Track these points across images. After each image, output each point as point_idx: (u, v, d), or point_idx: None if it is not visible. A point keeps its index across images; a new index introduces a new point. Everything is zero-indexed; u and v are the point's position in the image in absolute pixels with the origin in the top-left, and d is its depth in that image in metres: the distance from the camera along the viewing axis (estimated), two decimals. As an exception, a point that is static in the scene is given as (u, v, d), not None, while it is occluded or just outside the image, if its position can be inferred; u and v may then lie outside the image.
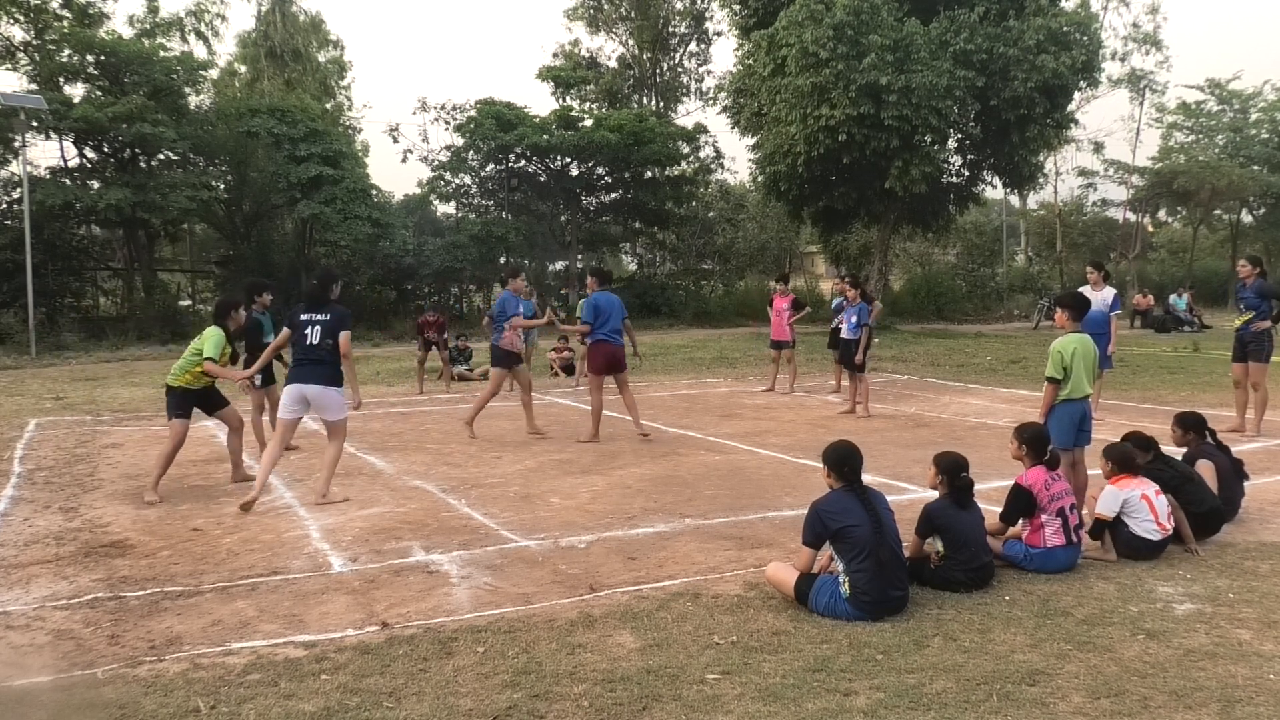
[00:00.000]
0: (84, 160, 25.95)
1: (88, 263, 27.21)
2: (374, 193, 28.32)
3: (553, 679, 4.06)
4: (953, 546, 5.22)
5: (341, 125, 38.21)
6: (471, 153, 31.53)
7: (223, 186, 27.72)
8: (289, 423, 7.58)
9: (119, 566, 5.76)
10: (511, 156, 31.69)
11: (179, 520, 6.91)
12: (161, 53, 26.55)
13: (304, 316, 7.46)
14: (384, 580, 5.46)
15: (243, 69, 42.40)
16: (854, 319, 12.29)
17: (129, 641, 4.54)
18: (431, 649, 4.40)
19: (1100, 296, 11.10)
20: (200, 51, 30.90)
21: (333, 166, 26.39)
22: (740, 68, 28.91)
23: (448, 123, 31.73)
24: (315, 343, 7.35)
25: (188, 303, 30.44)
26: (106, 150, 25.67)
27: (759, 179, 29.05)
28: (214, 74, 33.28)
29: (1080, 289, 11.25)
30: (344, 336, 7.38)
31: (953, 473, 5.39)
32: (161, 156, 25.99)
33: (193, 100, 27.81)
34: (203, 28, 31.78)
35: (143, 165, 25.54)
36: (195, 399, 7.98)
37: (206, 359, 7.76)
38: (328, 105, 39.54)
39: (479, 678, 4.09)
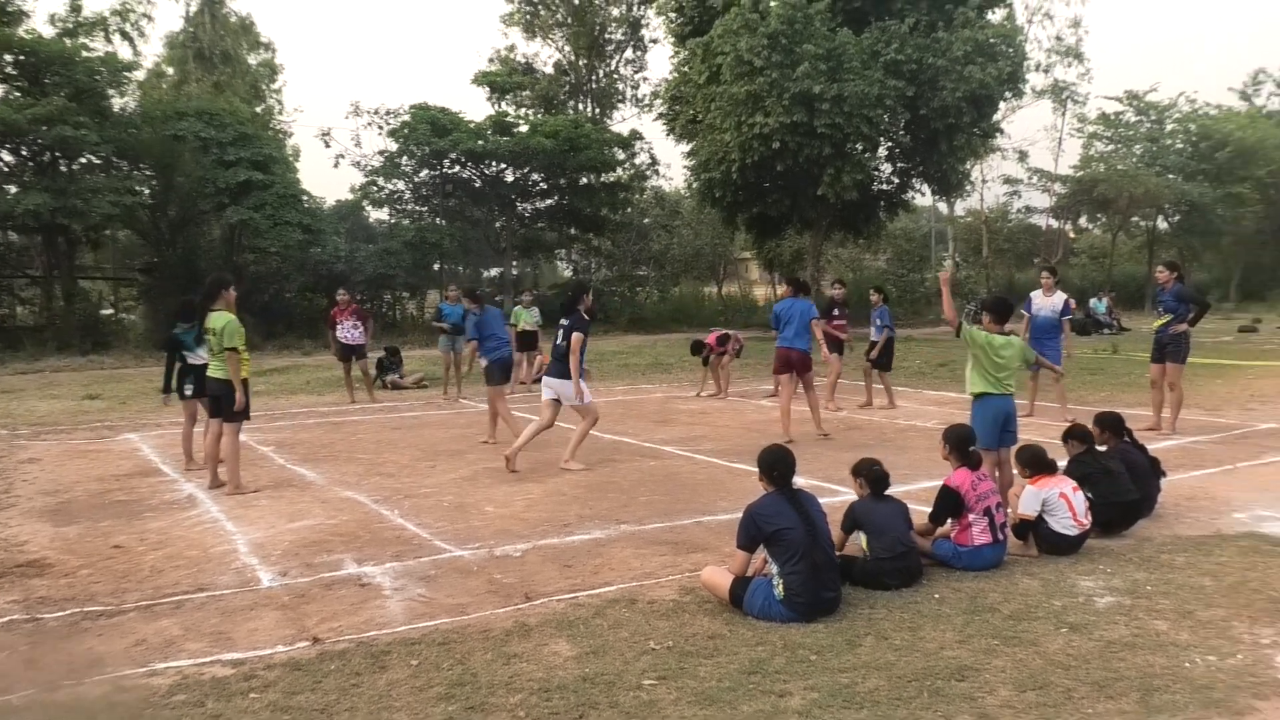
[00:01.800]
0: (1, 164, 25.06)
1: (4, 270, 26.29)
2: (305, 198, 27.82)
3: (488, 690, 4.03)
4: (875, 535, 5.33)
5: (272, 129, 37.44)
6: (405, 158, 31.17)
7: (147, 191, 26.93)
8: (546, 403, 9.12)
9: (36, 587, 5.57)
10: (446, 162, 31.40)
11: (100, 537, 6.71)
12: (84, 53, 25.77)
13: (561, 321, 9.06)
14: (315, 594, 5.37)
15: (170, 71, 41.35)
16: (878, 321, 13.25)
17: (47, 665, 4.40)
18: (364, 663, 4.34)
19: (1051, 302, 11.43)
20: (125, 52, 30.01)
21: (262, 171, 25.88)
22: (676, 75, 29.07)
23: (381, 127, 31.35)
24: (559, 342, 8.95)
25: (110, 311, 29.56)
26: (25, 153, 24.80)
27: (694, 185, 29.23)
28: (139, 75, 32.31)
29: (1032, 293, 11.61)
30: (575, 338, 8.81)
31: (865, 471, 5.57)
32: (83, 160, 25.21)
33: (117, 102, 26.98)
34: (128, 28, 30.83)
35: (63, 169, 24.74)
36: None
37: (229, 350, 8.00)
38: (258, 109, 38.73)
39: (413, 691, 4.05)
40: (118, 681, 4.19)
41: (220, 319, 8.09)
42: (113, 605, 5.22)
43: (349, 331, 14.24)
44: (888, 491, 5.65)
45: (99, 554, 6.27)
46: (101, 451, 10.40)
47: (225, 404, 8.16)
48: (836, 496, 7.37)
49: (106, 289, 31.67)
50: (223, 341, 8.02)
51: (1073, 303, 12.95)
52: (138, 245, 30.47)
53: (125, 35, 30.82)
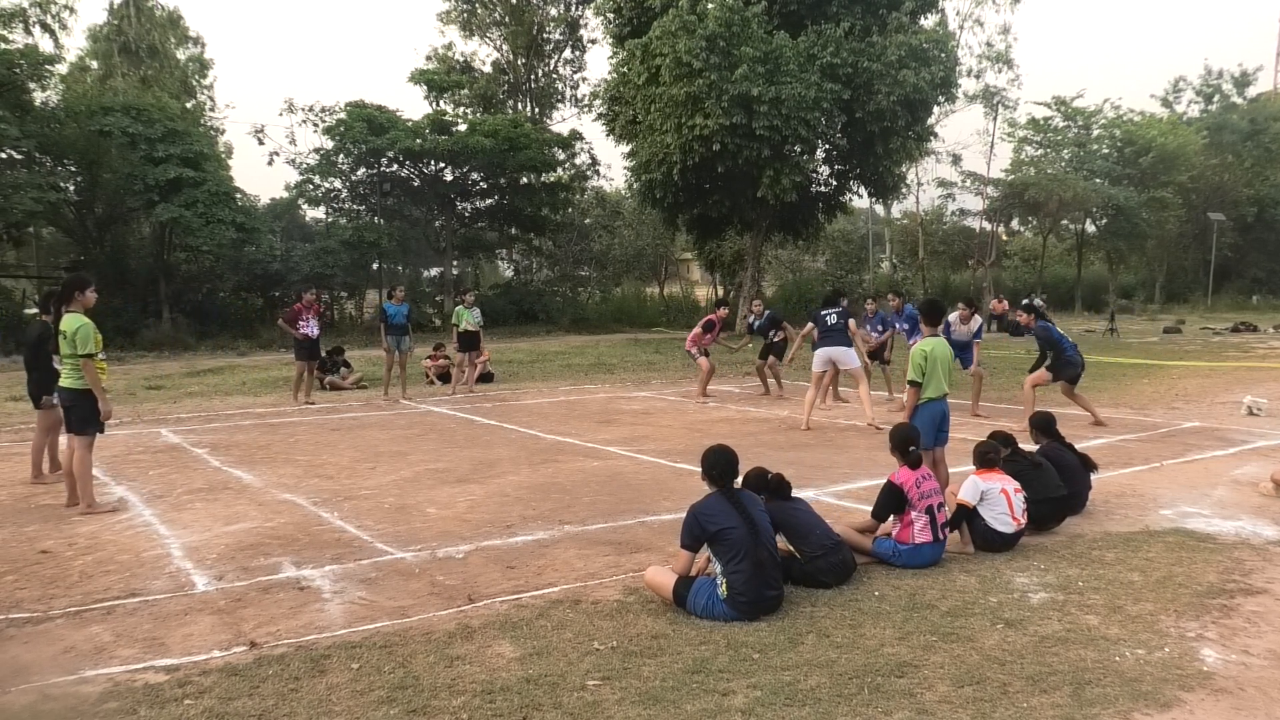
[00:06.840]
0: (-86, 158, 24.15)
1: (-81, 268, 25.34)
2: (238, 196, 27.25)
3: (431, 693, 4.00)
4: (799, 538, 5.39)
5: (203, 125, 36.59)
6: (342, 156, 30.68)
7: (73, 188, 26.19)
8: (819, 375, 11.69)
9: (-43, 594, 5.38)
10: (384, 160, 31.00)
11: (26, 542, 6.50)
12: (2, 45, 24.95)
13: (824, 312, 11.59)
14: (252, 598, 5.27)
15: (94, 65, 40.15)
16: (898, 325, 14.07)
17: (-31, 674, 4.25)
18: (303, 667, 4.27)
19: (967, 328, 12.44)
20: (46, 45, 29.17)
21: (194, 168, 25.26)
22: (615, 76, 29.08)
23: (316, 125, 30.81)
24: (836, 324, 11.48)
25: (33, 311, 28.60)
26: (-60, 148, 23.96)
27: (635, 186, 29.28)
28: (62, 69, 31.38)
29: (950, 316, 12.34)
30: (851, 322, 11.68)
31: (761, 482, 5.60)
32: (3, 155, 24.40)
33: (38, 96, 26.19)
34: (49, 20, 29.99)
35: (-19, 164, 23.94)
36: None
37: (84, 356, 7.24)
38: (188, 104, 37.78)
39: (354, 695, 3.99)
40: (44, 690, 4.06)
41: (73, 321, 7.29)
42: (39, 612, 5.06)
43: (311, 327, 14.30)
44: (799, 493, 5.75)
45: (25, 559, 6.07)
46: (26, 455, 10.05)
47: (73, 416, 7.41)
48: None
49: (30, 288, 30.68)
50: (75, 347, 7.24)
51: (999, 303, 14.06)
52: (63, 243, 29.62)
53: (46, 27, 29.99)
